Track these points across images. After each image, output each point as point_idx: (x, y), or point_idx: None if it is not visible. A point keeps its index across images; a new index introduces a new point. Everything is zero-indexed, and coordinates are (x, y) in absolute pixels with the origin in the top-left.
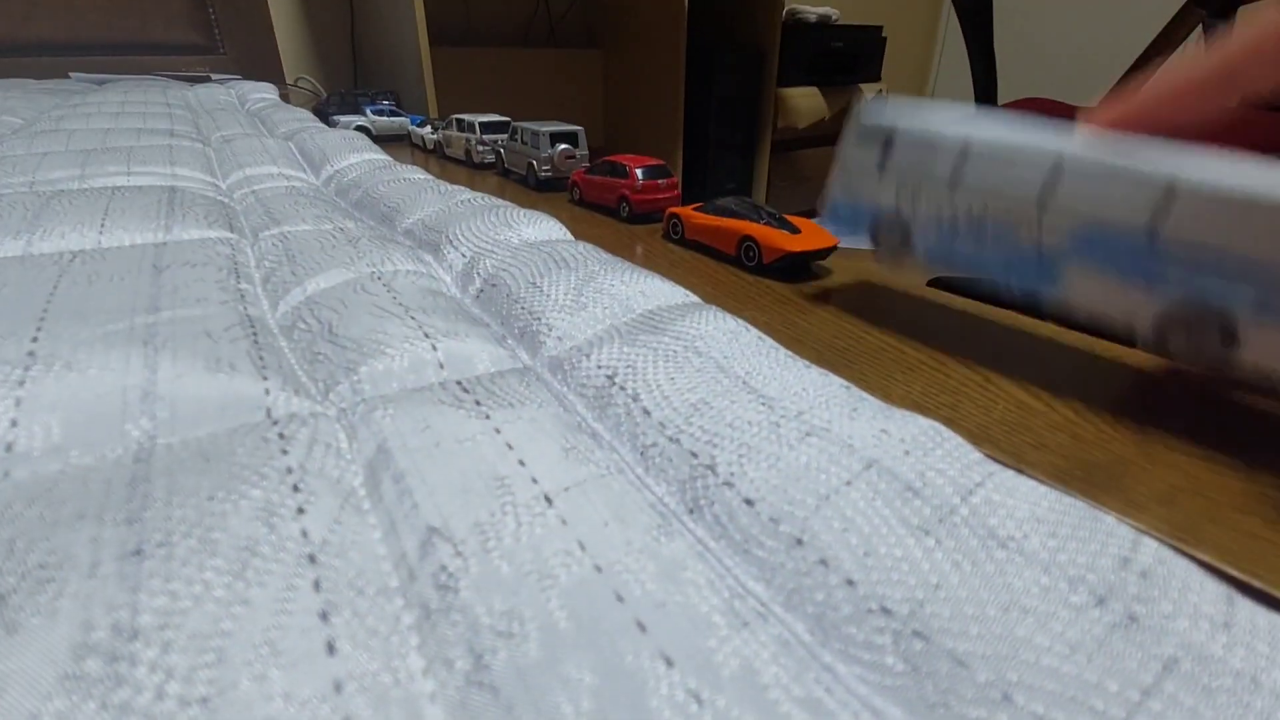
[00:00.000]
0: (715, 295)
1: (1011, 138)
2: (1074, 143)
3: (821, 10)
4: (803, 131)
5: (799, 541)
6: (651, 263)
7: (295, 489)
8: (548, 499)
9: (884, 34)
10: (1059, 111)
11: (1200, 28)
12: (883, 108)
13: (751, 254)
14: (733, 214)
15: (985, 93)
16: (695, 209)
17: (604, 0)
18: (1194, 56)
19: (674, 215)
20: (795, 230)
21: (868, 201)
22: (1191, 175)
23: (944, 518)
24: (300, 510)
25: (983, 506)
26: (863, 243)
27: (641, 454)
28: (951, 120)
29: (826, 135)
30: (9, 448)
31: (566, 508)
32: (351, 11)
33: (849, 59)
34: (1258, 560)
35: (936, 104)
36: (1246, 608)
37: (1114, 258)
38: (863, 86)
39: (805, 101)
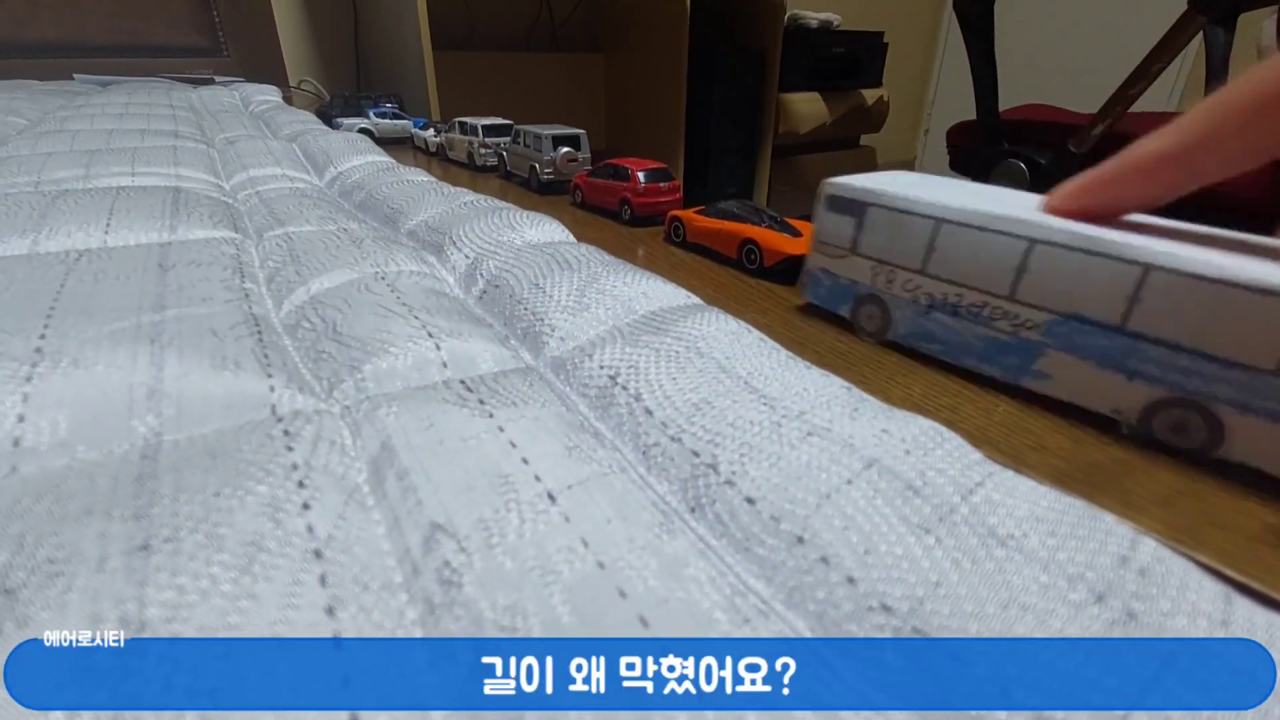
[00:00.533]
0: (716, 298)
1: (980, 220)
2: (1044, 227)
3: (823, 16)
4: (804, 137)
5: (800, 539)
6: (653, 265)
7: (300, 485)
8: (551, 496)
9: (885, 40)
10: (1058, 117)
11: (1201, 35)
12: (850, 184)
13: (753, 257)
14: (734, 217)
15: (986, 99)
16: (697, 212)
17: (607, 5)
18: (1156, 135)
19: (675, 218)
20: (796, 233)
21: (845, 278)
22: (1163, 263)
23: (944, 516)
24: (305, 506)
25: (983, 505)
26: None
27: (644, 453)
28: (920, 196)
29: (828, 141)
30: (16, 443)
31: (569, 505)
32: (355, 14)
33: (850, 64)
34: (1256, 563)
35: (902, 176)
36: (1244, 606)
37: (1091, 349)
38: (864, 92)
39: (807, 107)
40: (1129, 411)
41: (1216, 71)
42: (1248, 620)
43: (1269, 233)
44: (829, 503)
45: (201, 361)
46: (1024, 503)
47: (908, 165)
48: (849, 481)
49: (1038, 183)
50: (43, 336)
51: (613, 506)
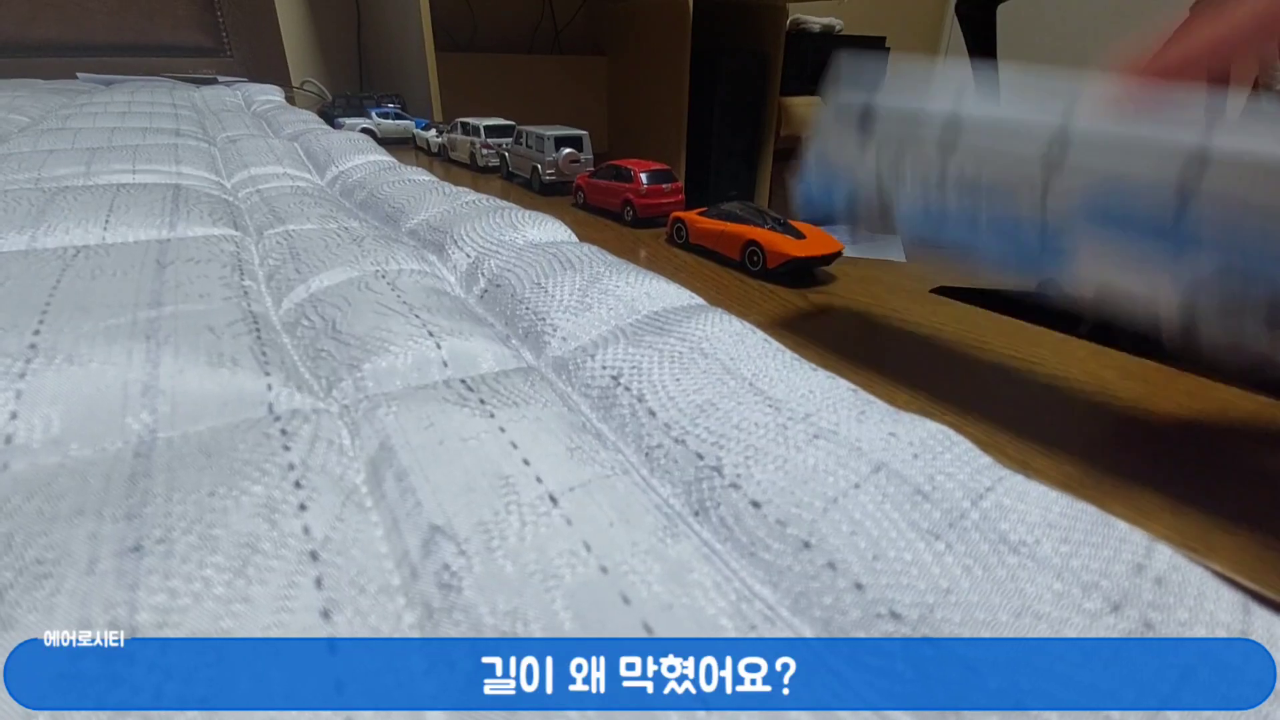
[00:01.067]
0: (719, 299)
1: (1014, 101)
2: (1086, 104)
3: (825, 21)
4: (806, 140)
5: (806, 544)
6: (655, 266)
7: (297, 485)
8: (552, 499)
9: (887, 45)
10: None
11: None
12: (864, 71)
13: (756, 259)
14: (737, 219)
15: None
16: (699, 214)
17: (609, 8)
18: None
19: (678, 220)
20: (800, 235)
21: (844, 178)
22: (1234, 128)
23: (954, 522)
24: (302, 507)
25: (993, 511)
26: (865, 248)
27: (646, 455)
28: (945, 83)
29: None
30: (8, 440)
31: (571, 508)
32: (358, 16)
33: None
34: (1270, 571)
35: (925, 67)
36: (1263, 617)
37: (1135, 224)
38: None
39: (808, 110)
40: (1171, 307)
41: (1216, 85)
42: (1267, 631)
43: None
44: (836, 507)
45: (198, 358)
46: (1035, 508)
47: None
48: (857, 486)
49: None
50: (37, 332)
51: (615, 509)
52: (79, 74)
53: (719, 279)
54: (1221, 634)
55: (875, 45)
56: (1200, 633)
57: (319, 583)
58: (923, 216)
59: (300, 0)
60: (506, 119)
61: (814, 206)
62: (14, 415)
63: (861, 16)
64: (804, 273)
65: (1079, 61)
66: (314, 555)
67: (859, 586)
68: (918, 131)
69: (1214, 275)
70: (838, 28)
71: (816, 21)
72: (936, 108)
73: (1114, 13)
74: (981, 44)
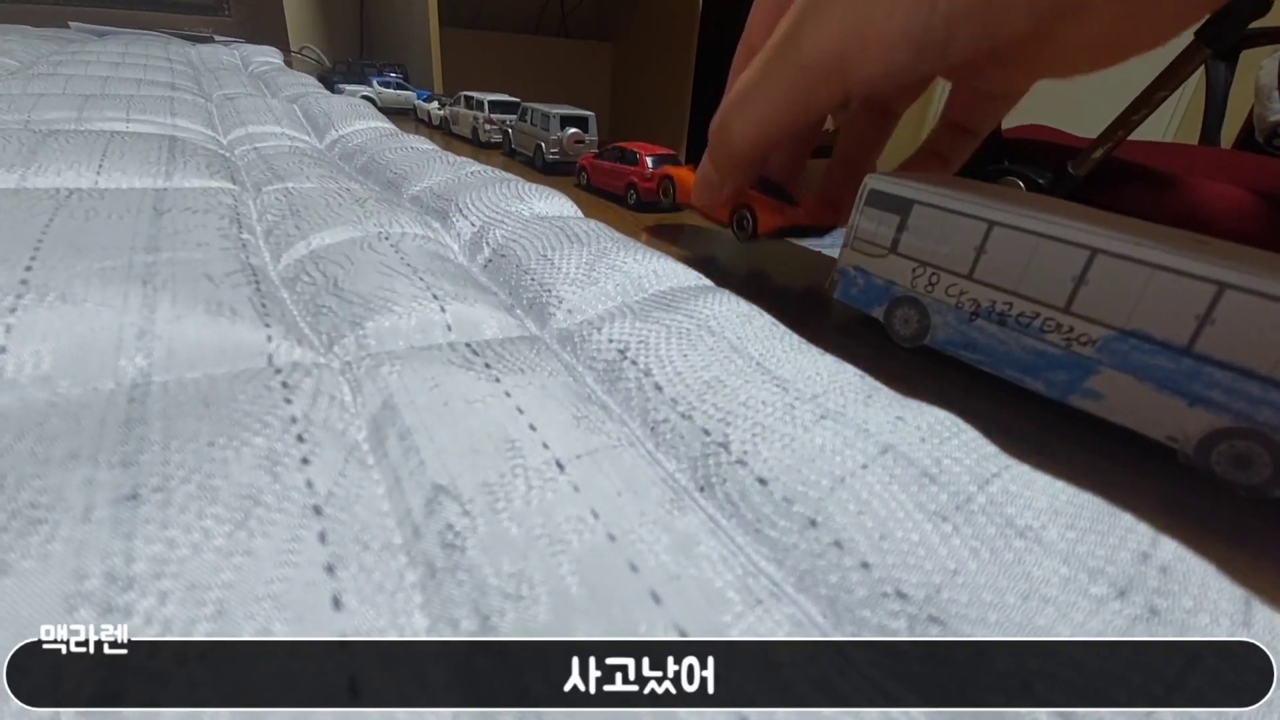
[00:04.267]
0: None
1: (1038, 225)
2: (1108, 236)
3: None
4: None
5: (813, 522)
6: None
7: (300, 439)
8: (559, 464)
9: None
10: (1059, 139)
11: (1203, 68)
12: (896, 179)
13: (745, 223)
14: None
15: None
16: (691, 169)
17: None
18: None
19: (667, 176)
20: (794, 202)
21: (881, 278)
22: (1240, 283)
23: (961, 505)
24: (305, 461)
25: (1000, 496)
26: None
27: (652, 429)
28: (972, 198)
29: (831, 146)
30: None
31: (578, 475)
32: None
33: None
34: (1260, 576)
35: (955, 181)
36: (1263, 611)
37: (1151, 370)
38: None
39: None
40: (1186, 440)
41: (1216, 104)
42: (1268, 624)
43: None
44: (843, 486)
45: (196, 306)
46: (1042, 495)
47: None
48: (864, 466)
49: None
50: (29, 268)
51: (622, 479)
52: (71, 23)
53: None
54: (1225, 623)
55: None
56: (1204, 621)
57: (323, 537)
58: (955, 331)
59: None
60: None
61: (854, 300)
62: (3, 349)
63: None
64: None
65: (1078, 80)
66: (318, 510)
67: (865, 565)
68: (947, 245)
69: (1225, 421)
70: None
71: None
72: (965, 220)
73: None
74: None
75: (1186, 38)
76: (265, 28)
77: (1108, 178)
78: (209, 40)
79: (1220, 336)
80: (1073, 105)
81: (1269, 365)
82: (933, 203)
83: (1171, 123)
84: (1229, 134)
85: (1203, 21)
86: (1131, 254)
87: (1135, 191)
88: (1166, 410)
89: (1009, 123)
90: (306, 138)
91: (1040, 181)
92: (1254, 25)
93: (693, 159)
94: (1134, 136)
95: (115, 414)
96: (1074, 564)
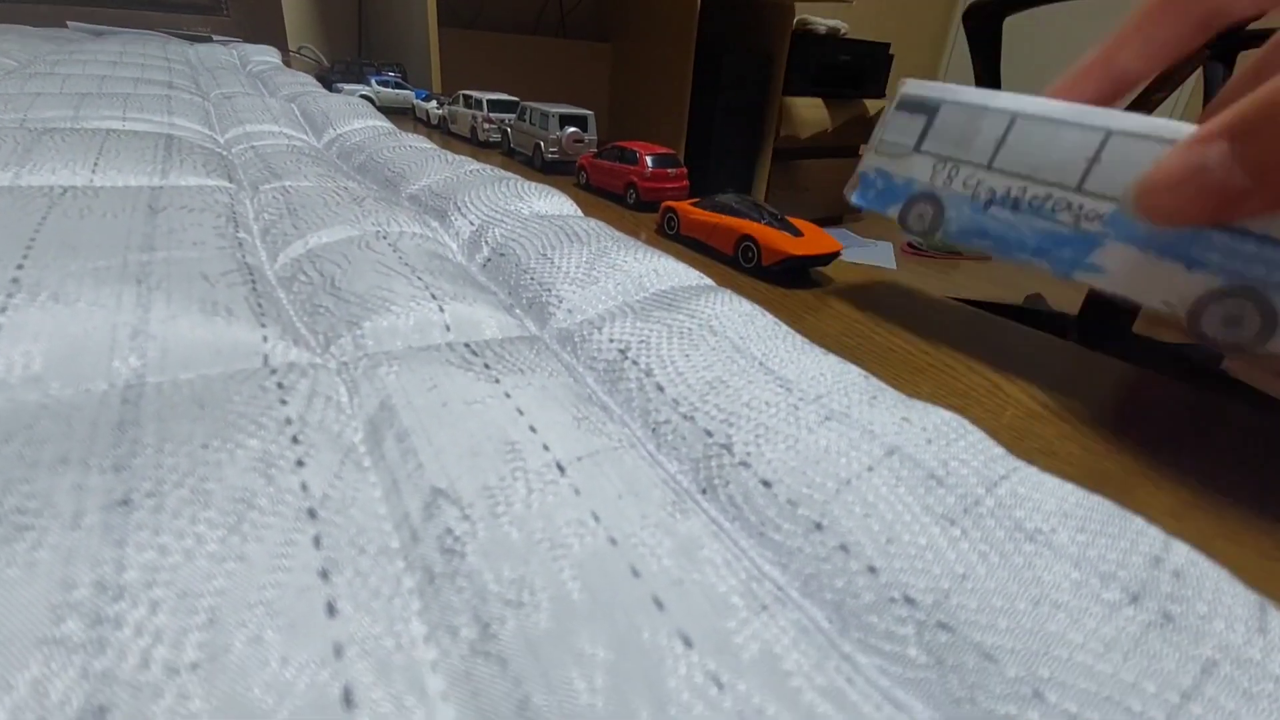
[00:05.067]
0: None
1: (1059, 113)
2: (1122, 118)
3: (831, 23)
4: (805, 141)
5: (818, 525)
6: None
7: (295, 440)
8: (560, 467)
9: (891, 51)
10: None
11: (1201, 70)
12: (929, 83)
13: (750, 255)
14: (732, 211)
15: None
16: (692, 204)
17: None
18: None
19: (669, 209)
20: (798, 233)
21: (901, 177)
22: None
23: (969, 508)
24: (300, 463)
25: (1008, 498)
26: (858, 254)
27: (654, 430)
28: (998, 97)
29: (828, 147)
30: None
31: (579, 477)
32: None
33: (855, 73)
34: (1270, 579)
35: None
36: (1278, 617)
37: (1153, 239)
38: (867, 102)
39: (809, 112)
40: (1180, 304)
41: (1213, 106)
42: None
43: None
44: (849, 489)
45: (190, 305)
46: (1051, 498)
47: None
48: (870, 468)
49: None
50: (20, 267)
51: (624, 482)
52: (69, 22)
53: (708, 271)
54: (1240, 629)
55: (879, 51)
56: (1220, 626)
57: (318, 541)
58: (969, 218)
59: None
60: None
61: (872, 199)
62: None
63: (868, 20)
64: (798, 273)
65: None
66: (312, 513)
67: (872, 570)
68: (970, 139)
69: (1218, 285)
70: (843, 30)
71: (823, 23)
72: (991, 113)
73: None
74: (987, 54)
75: None
76: (264, 27)
77: None
78: (207, 40)
79: None
80: None
81: (1263, 224)
82: (962, 100)
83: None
84: None
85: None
86: (1144, 130)
87: None
88: (1165, 277)
89: None
90: (304, 136)
91: None
92: (1252, 27)
93: (692, 158)
94: None
95: (108, 415)
96: (1085, 568)
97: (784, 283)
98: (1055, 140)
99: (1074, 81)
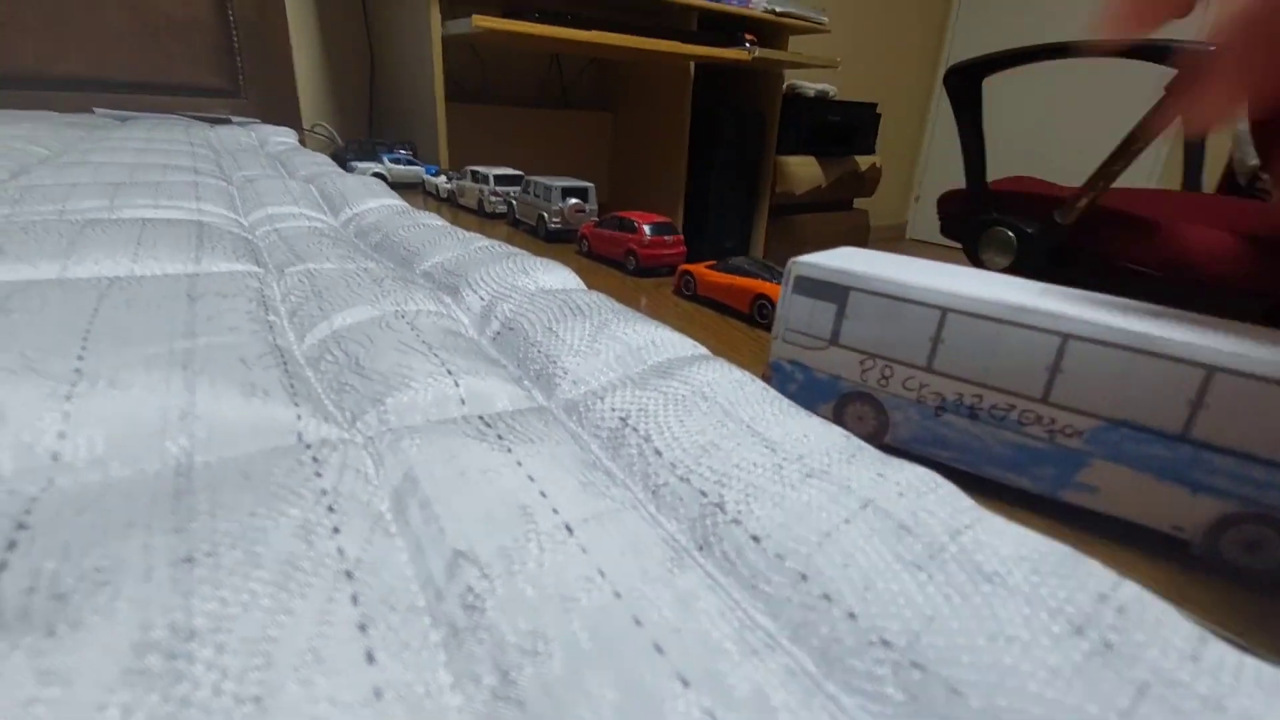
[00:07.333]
0: (723, 347)
1: (998, 310)
2: (1078, 320)
3: (820, 86)
4: (800, 197)
5: (804, 576)
6: (663, 313)
7: (330, 510)
8: (568, 528)
9: (879, 110)
10: (1044, 189)
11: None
12: (824, 264)
13: (765, 312)
14: (746, 273)
15: (975, 170)
16: (708, 267)
17: (616, 66)
18: None
19: (687, 272)
20: None
21: (823, 372)
22: (1231, 365)
23: (934, 554)
24: (335, 530)
25: (970, 545)
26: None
27: (654, 492)
28: (910, 280)
29: (823, 202)
30: (55, 457)
31: (586, 537)
32: (372, 64)
33: (845, 132)
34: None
35: (860, 253)
36: (1217, 646)
37: (1147, 460)
38: (858, 159)
39: (803, 169)
40: (1193, 529)
41: (1194, 151)
42: (1218, 657)
43: (1251, 317)
44: (830, 541)
45: (231, 388)
46: (1009, 543)
47: (899, 229)
48: (847, 520)
49: (1025, 251)
50: (80, 358)
51: (626, 540)
52: (96, 109)
53: (723, 328)
54: (1174, 656)
55: (867, 110)
56: (1154, 654)
57: (355, 599)
58: (919, 428)
59: (315, 46)
60: (513, 168)
61: (795, 395)
62: (62, 435)
63: (855, 83)
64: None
65: (1060, 133)
66: (348, 574)
67: (852, 616)
68: (896, 334)
69: (1233, 506)
70: (831, 93)
71: (811, 87)
72: (914, 287)
73: (1094, 82)
74: (969, 113)
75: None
76: (279, 107)
77: (1094, 225)
78: (226, 121)
79: (1216, 421)
80: (1056, 157)
81: (1270, 448)
82: (872, 289)
83: (1156, 167)
84: (1210, 180)
85: (1174, 77)
86: (1107, 338)
87: (1121, 238)
88: (1167, 500)
89: (994, 175)
90: (323, 216)
91: (1029, 231)
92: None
93: (691, 216)
94: (1121, 184)
95: (164, 488)
96: (1036, 604)
97: None
98: (1002, 343)
99: None
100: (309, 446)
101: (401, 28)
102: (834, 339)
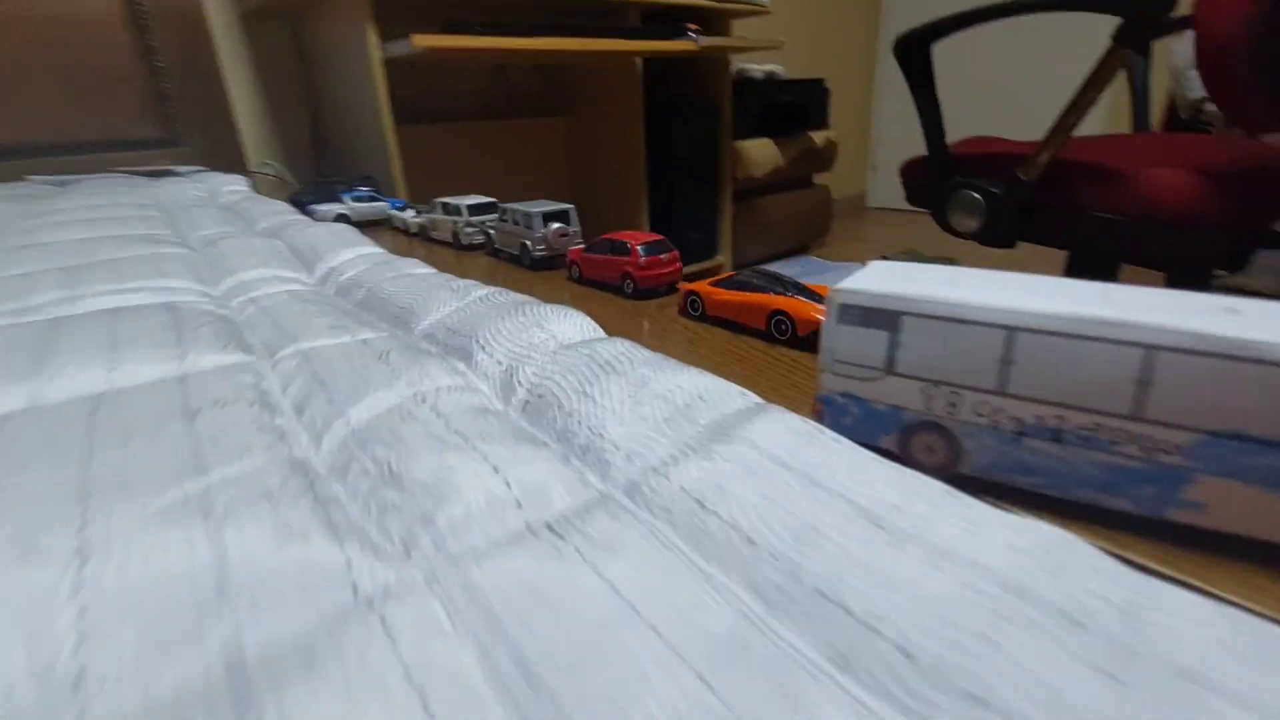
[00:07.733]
0: (747, 373)
1: (1071, 325)
2: (1163, 330)
3: (767, 67)
4: (761, 180)
5: (975, 698)
6: (665, 339)
7: (422, 696)
8: (700, 677)
9: (827, 85)
10: (1005, 148)
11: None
12: (869, 290)
13: (783, 327)
14: (755, 288)
15: (934, 135)
16: (711, 284)
17: (563, 70)
18: None
19: (691, 293)
20: (819, 299)
21: (881, 403)
22: None
23: (1118, 652)
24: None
25: (1155, 636)
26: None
27: (764, 600)
28: (965, 294)
29: (784, 182)
30: (79, 679)
31: (716, 680)
32: (313, 93)
33: (798, 110)
34: None
35: (923, 270)
36: None
37: (1261, 471)
38: (813, 135)
39: (761, 152)
40: None
41: (1139, 93)
42: None
43: (1218, 250)
44: (989, 646)
45: (264, 534)
46: (1197, 625)
47: (859, 199)
48: (1000, 615)
49: (993, 212)
50: (82, 527)
51: (765, 678)
52: (30, 177)
53: (741, 349)
54: None
55: (816, 86)
56: None
57: None
58: (997, 456)
59: (251, 84)
60: (468, 187)
61: (852, 433)
62: (81, 640)
63: (800, 61)
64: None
65: (1014, 91)
66: None
67: None
68: (960, 358)
69: None
70: (780, 73)
71: (759, 69)
72: (973, 306)
73: (1041, 37)
74: (921, 80)
75: (1102, 41)
76: (221, 152)
77: (1059, 179)
78: (169, 173)
79: None
80: (1013, 113)
81: None
82: (927, 312)
83: (1100, 112)
84: (1154, 117)
85: (1118, 27)
86: (1197, 347)
87: (1088, 189)
88: None
89: (952, 137)
90: (298, 275)
91: (996, 191)
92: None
93: (655, 215)
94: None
95: (219, 696)
96: (1254, 709)
97: (811, 348)
98: (1079, 359)
99: None
100: (370, 603)
101: (338, 54)
102: (890, 368)
